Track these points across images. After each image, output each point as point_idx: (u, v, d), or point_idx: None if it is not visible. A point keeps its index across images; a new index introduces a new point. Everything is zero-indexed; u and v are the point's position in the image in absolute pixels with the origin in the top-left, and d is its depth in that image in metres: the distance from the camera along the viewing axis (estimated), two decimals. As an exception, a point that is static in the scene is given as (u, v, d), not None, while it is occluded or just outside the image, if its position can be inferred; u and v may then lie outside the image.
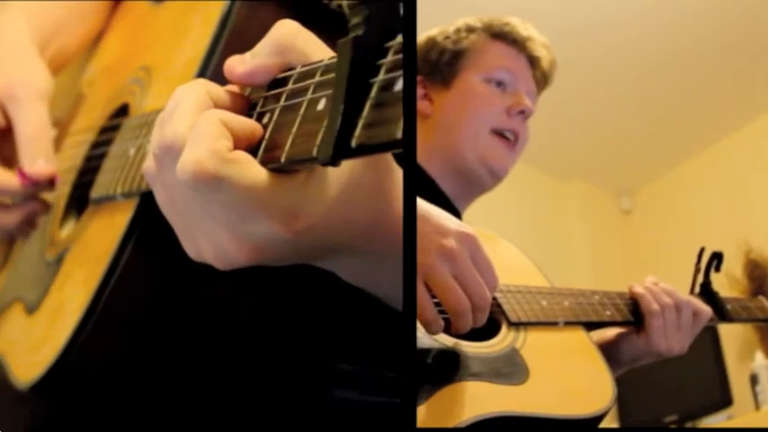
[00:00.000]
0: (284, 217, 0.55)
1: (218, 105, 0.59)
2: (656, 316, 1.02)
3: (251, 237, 0.57)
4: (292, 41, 0.59)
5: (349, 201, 0.58)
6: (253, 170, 0.55)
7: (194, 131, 0.55)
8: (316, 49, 0.59)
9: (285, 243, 0.57)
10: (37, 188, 0.90)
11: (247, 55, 0.61)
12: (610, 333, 1.07)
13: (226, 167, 0.54)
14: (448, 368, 0.76)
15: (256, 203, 0.55)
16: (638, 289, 1.05)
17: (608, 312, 1.01)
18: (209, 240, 0.59)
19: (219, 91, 0.60)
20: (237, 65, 0.60)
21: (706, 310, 1.07)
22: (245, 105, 0.61)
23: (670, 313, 1.03)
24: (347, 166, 0.53)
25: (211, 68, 0.76)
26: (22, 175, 0.89)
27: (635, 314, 1.04)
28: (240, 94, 0.61)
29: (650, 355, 1.04)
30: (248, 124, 0.57)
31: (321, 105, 0.53)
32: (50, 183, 0.90)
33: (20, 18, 0.98)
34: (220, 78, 0.62)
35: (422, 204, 0.72)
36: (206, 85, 0.60)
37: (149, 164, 0.62)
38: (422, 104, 1.21)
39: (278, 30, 0.59)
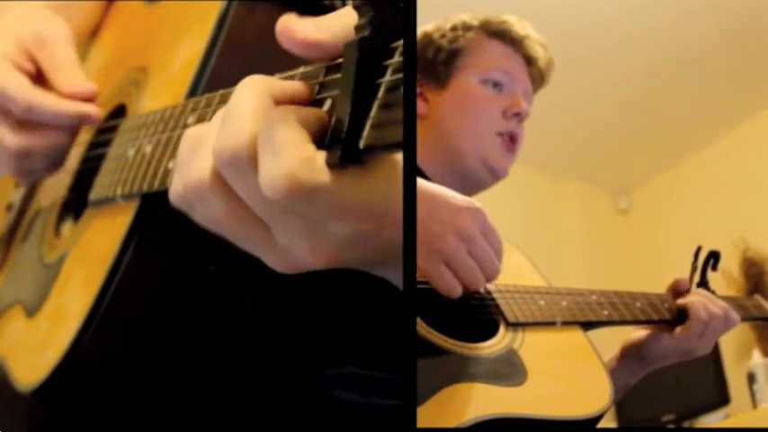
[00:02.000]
0: (373, 215, 0.51)
1: (279, 101, 0.53)
2: (701, 323, 1.04)
3: (332, 239, 0.51)
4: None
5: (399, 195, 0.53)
6: (340, 173, 0.49)
7: (273, 139, 0.49)
8: None
9: (369, 240, 0.52)
10: (81, 114, 0.85)
11: (310, 22, 0.55)
12: (640, 333, 1.09)
13: (322, 176, 0.49)
14: (448, 369, 0.76)
15: (346, 205, 0.50)
16: (686, 298, 1.08)
17: (605, 312, 1.01)
18: (271, 248, 0.53)
19: (280, 85, 0.54)
20: (298, 28, 0.54)
21: (735, 316, 1.09)
22: (309, 93, 0.55)
23: (716, 322, 1.06)
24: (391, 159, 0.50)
25: (209, 69, 0.75)
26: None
27: (676, 315, 1.06)
28: (301, 82, 0.55)
29: (678, 354, 1.07)
30: (318, 115, 0.52)
31: (326, 106, 0.53)
32: (92, 99, 0.86)
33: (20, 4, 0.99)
34: (218, 80, 0.61)
35: (427, 186, 0.75)
36: (264, 82, 0.54)
37: (194, 181, 0.54)
38: (417, 104, 1.19)
39: (349, 16, 0.53)
